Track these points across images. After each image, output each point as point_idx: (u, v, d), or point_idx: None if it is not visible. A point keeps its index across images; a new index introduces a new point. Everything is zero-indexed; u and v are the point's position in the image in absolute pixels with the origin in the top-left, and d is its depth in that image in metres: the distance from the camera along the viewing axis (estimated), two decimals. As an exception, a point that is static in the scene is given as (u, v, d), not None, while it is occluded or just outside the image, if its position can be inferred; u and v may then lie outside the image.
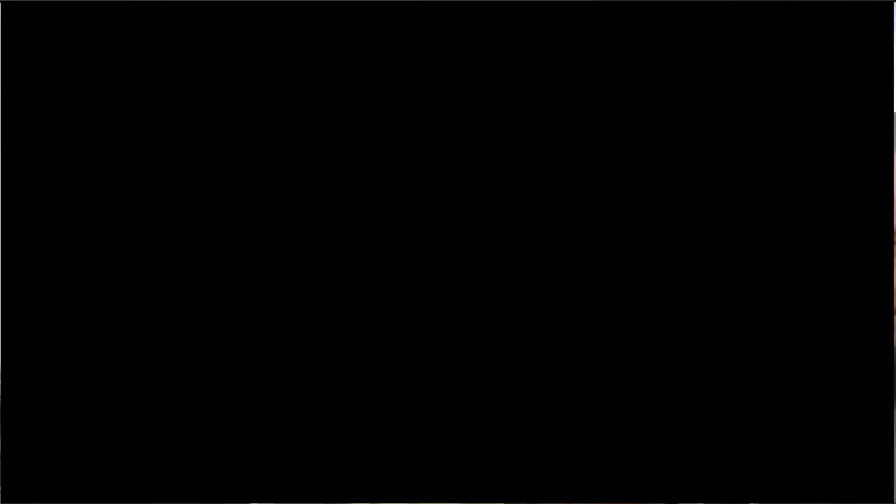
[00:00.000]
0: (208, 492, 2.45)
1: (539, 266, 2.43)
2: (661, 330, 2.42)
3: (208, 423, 2.44)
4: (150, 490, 2.44)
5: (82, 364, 2.42)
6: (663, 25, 2.42)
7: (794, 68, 2.41)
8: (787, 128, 2.41)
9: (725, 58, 2.41)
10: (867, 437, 2.40)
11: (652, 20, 2.42)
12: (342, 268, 2.43)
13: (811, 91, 2.41)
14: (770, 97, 2.42)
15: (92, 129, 2.42)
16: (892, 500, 2.41)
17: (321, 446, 2.44)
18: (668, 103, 2.42)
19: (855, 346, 2.40)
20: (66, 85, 2.43)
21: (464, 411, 2.44)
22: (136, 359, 2.42)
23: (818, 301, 2.40)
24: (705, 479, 2.43)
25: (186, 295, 2.42)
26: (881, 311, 2.40)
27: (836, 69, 2.41)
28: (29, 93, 2.42)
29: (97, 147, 2.42)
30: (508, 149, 2.43)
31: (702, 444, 2.42)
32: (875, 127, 2.40)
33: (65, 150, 2.42)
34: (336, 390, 2.44)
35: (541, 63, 2.43)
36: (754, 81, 2.42)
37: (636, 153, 2.42)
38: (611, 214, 2.42)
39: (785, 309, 2.41)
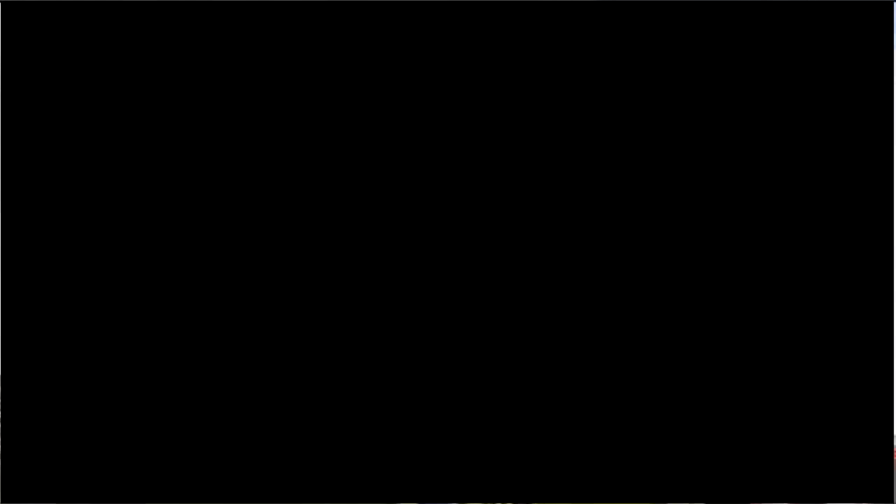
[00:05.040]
0: (208, 492, 2.45)
1: (539, 267, 2.43)
2: (661, 331, 2.42)
3: (208, 423, 2.44)
4: (150, 490, 2.44)
5: (82, 364, 2.42)
6: (663, 25, 2.42)
7: (795, 68, 2.41)
8: (787, 127, 2.41)
9: (725, 58, 2.41)
10: (867, 437, 2.40)
11: (652, 20, 2.42)
12: (343, 270, 2.43)
13: (811, 91, 2.41)
14: (770, 97, 2.42)
15: (91, 129, 2.42)
16: (892, 500, 2.41)
17: (322, 446, 2.44)
18: (669, 103, 2.42)
19: (855, 347, 2.40)
20: (65, 85, 2.43)
21: (464, 412, 2.44)
22: (136, 359, 2.42)
23: (818, 301, 2.40)
24: (705, 479, 2.43)
25: (186, 296, 2.42)
26: (881, 311, 2.40)
27: (836, 69, 2.41)
28: (29, 92, 2.42)
29: (97, 146, 2.42)
30: (509, 149, 2.43)
31: (702, 444, 2.42)
32: (875, 126, 2.40)
33: (64, 150, 2.42)
34: (337, 392, 2.44)
35: (541, 63, 2.43)
36: (755, 81, 2.42)
37: (636, 153, 2.42)
38: (611, 215, 2.42)
39: (785, 309, 2.41)
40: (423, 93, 2.44)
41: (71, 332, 2.41)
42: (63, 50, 2.42)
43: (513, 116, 2.43)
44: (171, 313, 2.42)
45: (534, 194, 2.42)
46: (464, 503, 2.44)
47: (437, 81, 2.44)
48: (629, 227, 2.41)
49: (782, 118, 2.41)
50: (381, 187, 2.43)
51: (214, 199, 2.42)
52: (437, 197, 2.43)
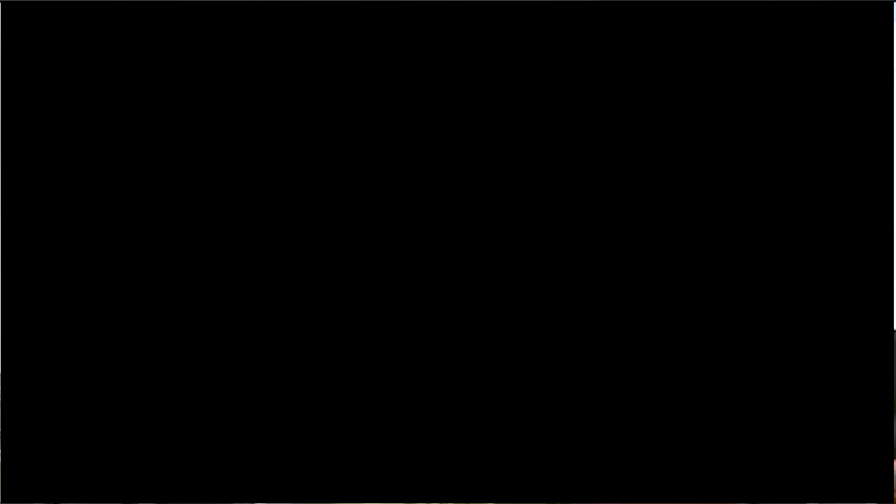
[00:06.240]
0: (208, 492, 2.44)
1: (539, 267, 2.42)
2: (661, 331, 2.42)
3: (208, 423, 2.43)
4: (151, 490, 2.44)
5: (82, 364, 2.42)
6: (663, 25, 2.42)
7: (795, 68, 2.41)
8: (787, 127, 2.41)
9: (725, 58, 2.41)
10: (867, 437, 2.40)
11: (652, 20, 2.42)
12: (342, 270, 2.43)
13: (811, 91, 2.41)
14: (770, 97, 2.41)
15: (91, 129, 2.42)
16: (892, 500, 2.41)
17: (321, 446, 2.44)
18: (669, 103, 2.41)
19: (855, 347, 2.40)
20: (65, 85, 2.42)
21: (464, 412, 2.44)
22: (136, 360, 2.42)
23: (818, 301, 2.40)
24: (705, 479, 2.42)
25: (186, 296, 2.42)
26: (881, 311, 2.40)
27: (836, 69, 2.41)
28: (29, 93, 2.42)
29: (97, 146, 2.42)
30: (509, 150, 2.43)
31: (702, 444, 2.42)
32: (875, 126, 2.40)
33: (64, 150, 2.42)
34: (336, 392, 2.44)
35: (541, 63, 2.43)
36: (755, 81, 2.42)
37: (636, 153, 2.42)
38: (610, 215, 2.41)
39: (785, 310, 2.40)
40: (423, 93, 2.43)
41: (70, 332, 2.41)
42: (63, 50, 2.42)
43: (513, 116, 2.43)
44: (170, 314, 2.42)
45: (534, 195, 2.42)
46: (464, 503, 2.44)
47: (438, 81, 2.43)
48: (629, 228, 2.41)
49: (782, 118, 2.41)
50: (381, 188, 2.43)
51: (214, 200, 2.42)
52: (437, 199, 2.43)
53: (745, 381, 2.42)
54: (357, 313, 2.43)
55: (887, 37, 2.40)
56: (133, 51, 2.42)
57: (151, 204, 2.42)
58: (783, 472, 2.42)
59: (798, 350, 2.41)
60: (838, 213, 2.40)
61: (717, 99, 2.41)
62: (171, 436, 2.43)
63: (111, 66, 2.42)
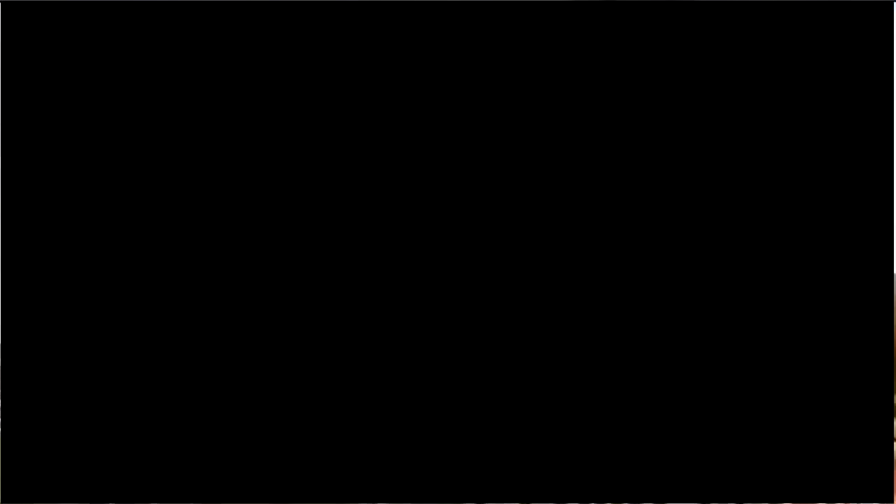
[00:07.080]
0: (208, 492, 2.45)
1: (539, 268, 2.43)
2: (660, 331, 2.42)
3: (208, 423, 2.44)
4: (150, 490, 2.44)
5: (82, 364, 2.42)
6: (663, 25, 2.42)
7: (795, 68, 2.42)
8: (787, 127, 2.41)
9: (725, 58, 2.42)
10: (867, 437, 2.40)
11: (652, 20, 2.42)
12: (343, 270, 2.43)
13: (811, 91, 2.41)
14: (770, 97, 2.42)
15: (91, 129, 2.42)
16: (892, 500, 2.41)
17: (322, 446, 2.44)
18: (669, 103, 2.42)
19: (855, 346, 2.40)
20: (65, 85, 2.43)
21: (464, 412, 2.44)
22: (136, 359, 2.42)
23: (818, 301, 2.40)
24: (705, 479, 2.43)
25: (186, 296, 2.42)
26: (881, 311, 2.40)
27: (836, 69, 2.41)
28: (29, 93, 2.43)
29: (97, 146, 2.42)
30: (508, 150, 2.43)
31: (702, 444, 2.43)
32: (875, 126, 2.41)
33: (64, 150, 2.42)
34: (337, 392, 2.44)
35: (541, 63, 2.44)
36: (755, 81, 2.42)
37: (636, 153, 2.42)
38: (610, 215, 2.42)
39: (785, 309, 2.41)
40: (423, 93, 2.44)
41: (71, 331, 2.41)
42: (63, 50, 2.42)
43: (513, 117, 2.43)
44: (171, 313, 2.42)
45: (532, 194, 2.43)
46: (464, 503, 2.45)
47: (438, 82, 2.44)
48: (628, 227, 2.42)
49: (782, 118, 2.41)
50: (380, 186, 2.43)
51: (214, 199, 2.42)
52: (436, 197, 2.43)
53: (744, 381, 2.42)
54: (357, 313, 2.43)
55: (887, 37, 2.40)
56: (133, 51, 2.42)
57: (151, 203, 2.42)
58: (783, 472, 2.42)
59: (797, 349, 2.41)
60: (837, 212, 2.40)
61: (717, 99, 2.42)
62: (171, 436, 2.44)
63: (111, 66, 2.43)
